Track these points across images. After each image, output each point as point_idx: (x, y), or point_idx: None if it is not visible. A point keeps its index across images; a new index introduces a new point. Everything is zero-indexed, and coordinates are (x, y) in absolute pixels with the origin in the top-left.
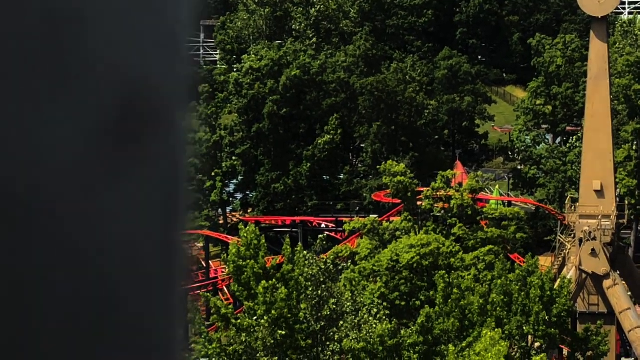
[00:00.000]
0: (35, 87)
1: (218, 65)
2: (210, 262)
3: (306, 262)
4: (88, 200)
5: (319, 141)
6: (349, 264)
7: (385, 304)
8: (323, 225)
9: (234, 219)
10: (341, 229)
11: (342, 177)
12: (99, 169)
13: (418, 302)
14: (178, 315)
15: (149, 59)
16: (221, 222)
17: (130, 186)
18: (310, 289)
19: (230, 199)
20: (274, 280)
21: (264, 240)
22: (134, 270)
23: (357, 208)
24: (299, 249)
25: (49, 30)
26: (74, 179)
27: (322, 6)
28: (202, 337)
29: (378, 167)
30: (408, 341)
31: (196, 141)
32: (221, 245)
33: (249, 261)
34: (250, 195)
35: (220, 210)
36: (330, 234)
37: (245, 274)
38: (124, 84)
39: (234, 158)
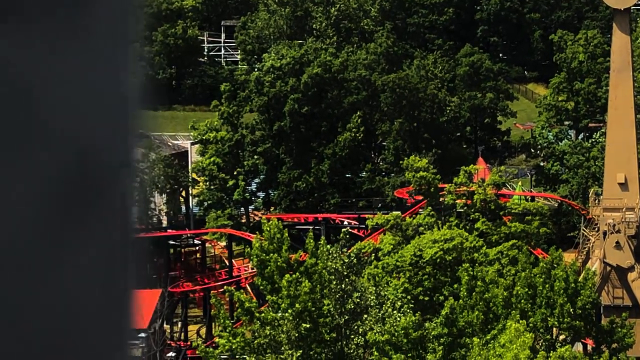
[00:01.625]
0: None
1: (239, 66)
2: (233, 260)
3: (329, 256)
4: (37, 261)
5: (340, 139)
6: (372, 257)
7: (409, 297)
8: (345, 223)
9: (257, 218)
10: (363, 226)
11: (364, 174)
12: (48, 232)
13: (442, 297)
14: None
15: (97, 130)
16: (244, 220)
17: (78, 248)
18: (334, 283)
19: (253, 198)
20: (297, 274)
21: (287, 234)
22: (79, 327)
23: (380, 205)
24: (322, 242)
25: (2, 104)
26: (24, 241)
27: (343, 5)
28: (227, 331)
29: (401, 162)
30: (432, 333)
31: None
32: (244, 244)
33: (272, 255)
34: (273, 194)
35: (242, 209)
36: (353, 231)
37: (269, 267)
38: (74, 152)
39: (255, 157)
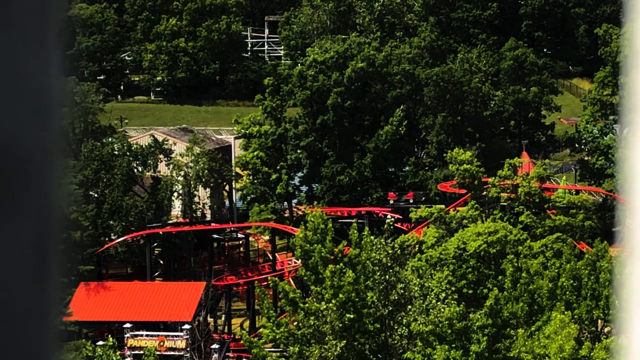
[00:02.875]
0: None
1: (282, 61)
2: (276, 254)
3: (373, 247)
4: None
5: (381, 132)
6: (416, 248)
7: (453, 288)
8: (389, 217)
9: (300, 212)
10: (407, 220)
11: (407, 169)
12: None
13: (485, 290)
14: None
15: (19, 122)
16: (287, 215)
17: (1, 237)
18: (378, 274)
19: (296, 192)
20: (341, 264)
21: (330, 225)
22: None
23: (423, 199)
24: (366, 233)
25: None
26: None
27: (386, 0)
28: (271, 321)
29: (444, 155)
30: (477, 324)
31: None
32: (287, 238)
33: (316, 245)
34: (316, 188)
35: (285, 203)
36: (396, 224)
37: (313, 258)
38: None
39: (298, 151)
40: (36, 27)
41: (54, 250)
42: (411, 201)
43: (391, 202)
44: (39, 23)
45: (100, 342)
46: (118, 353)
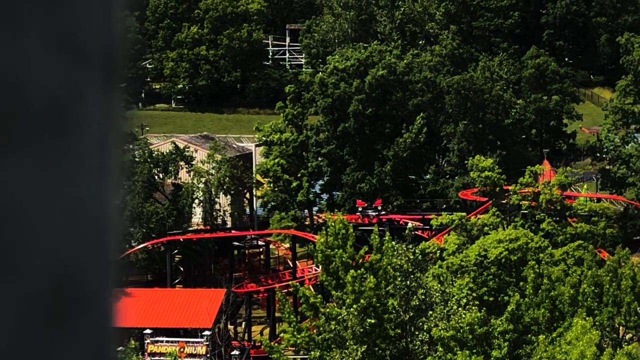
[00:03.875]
0: None
1: (303, 69)
2: (296, 262)
3: (394, 253)
4: None
5: (399, 140)
6: (437, 254)
7: (474, 294)
8: (409, 224)
9: (320, 220)
10: (427, 227)
11: (428, 177)
12: (28, 345)
13: (506, 298)
14: None
15: (79, 248)
16: (307, 222)
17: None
18: (399, 279)
19: (317, 199)
20: (362, 269)
21: (351, 230)
22: None
23: (444, 206)
24: (387, 238)
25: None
26: (8, 353)
27: (407, 9)
28: (291, 326)
29: (466, 162)
30: (498, 329)
31: None
32: (308, 246)
33: (337, 251)
34: (336, 195)
35: (306, 211)
36: (417, 232)
37: (334, 263)
38: (56, 270)
39: (319, 158)
40: (98, 158)
41: None
42: (379, 208)
43: (360, 209)
44: (100, 153)
45: (120, 348)
46: (140, 356)
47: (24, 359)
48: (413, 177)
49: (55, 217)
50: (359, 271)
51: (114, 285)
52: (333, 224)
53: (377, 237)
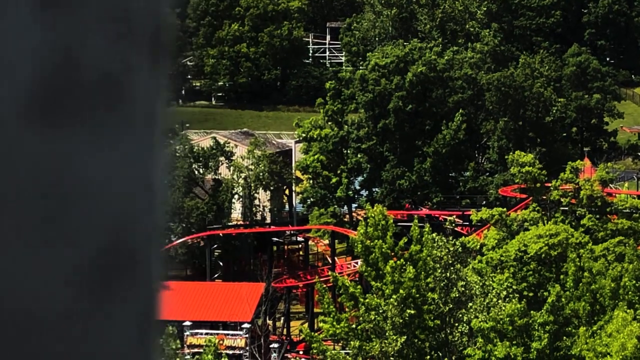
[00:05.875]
0: (30, 230)
1: (344, 67)
2: (335, 258)
3: (434, 244)
4: (71, 329)
5: (439, 137)
6: (477, 247)
7: (515, 285)
8: (449, 218)
9: (359, 217)
10: (467, 224)
11: (467, 174)
12: (82, 303)
13: (546, 293)
14: None
15: (129, 211)
16: (346, 219)
17: (109, 321)
18: (439, 271)
19: (356, 196)
20: (402, 260)
21: (391, 221)
22: None
23: (483, 203)
24: (426, 229)
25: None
26: (61, 307)
27: (448, 7)
28: (331, 316)
29: (506, 157)
30: (538, 321)
31: None
32: (347, 242)
33: (377, 241)
34: (376, 192)
35: (345, 208)
36: (457, 228)
37: (374, 254)
38: (108, 231)
39: (359, 155)
40: (148, 129)
41: (152, 342)
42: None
43: None
44: (149, 124)
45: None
46: (177, 341)
47: (77, 320)
48: (453, 174)
49: (111, 185)
50: (398, 262)
51: (161, 252)
52: (373, 214)
53: (417, 228)
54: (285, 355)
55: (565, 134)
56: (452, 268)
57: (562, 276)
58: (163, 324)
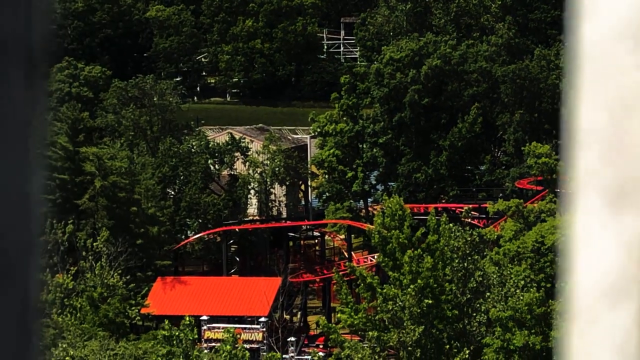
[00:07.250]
0: None
1: (358, 62)
2: (352, 252)
3: (452, 234)
4: None
5: (455, 130)
6: (494, 238)
7: (532, 276)
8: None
9: (375, 211)
10: (483, 216)
11: (483, 167)
12: None
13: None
14: None
15: (6, 223)
16: (362, 214)
17: None
18: (457, 261)
19: (372, 190)
20: (419, 250)
21: (408, 211)
22: None
23: (500, 195)
24: (443, 220)
25: None
26: None
27: (463, 1)
28: (349, 307)
29: (522, 148)
30: (557, 309)
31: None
32: (363, 236)
33: (394, 231)
34: (392, 186)
35: (361, 202)
36: (473, 221)
37: (391, 244)
38: None
39: (375, 149)
40: (21, 143)
41: (34, 329)
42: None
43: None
44: (23, 139)
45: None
46: (195, 331)
47: None
48: (469, 167)
49: None
50: (416, 252)
51: (38, 260)
52: (390, 205)
53: (434, 218)
54: (303, 349)
55: None
56: (469, 258)
57: None
58: (40, 312)
